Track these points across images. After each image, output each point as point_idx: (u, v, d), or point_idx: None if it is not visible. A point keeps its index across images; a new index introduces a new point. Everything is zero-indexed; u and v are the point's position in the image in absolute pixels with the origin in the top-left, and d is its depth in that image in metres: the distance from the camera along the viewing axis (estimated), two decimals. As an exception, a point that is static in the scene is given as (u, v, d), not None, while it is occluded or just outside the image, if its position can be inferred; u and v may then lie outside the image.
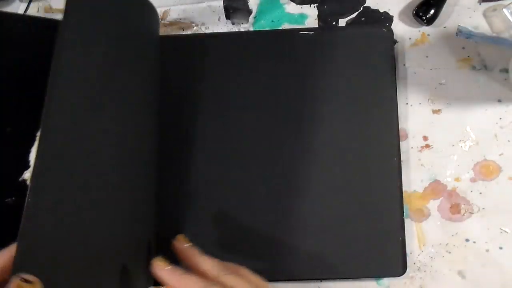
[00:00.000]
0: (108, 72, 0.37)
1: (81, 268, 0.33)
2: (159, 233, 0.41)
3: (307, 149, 0.44)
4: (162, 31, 0.47)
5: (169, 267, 0.36)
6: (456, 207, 0.45)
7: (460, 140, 0.45)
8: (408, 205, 0.45)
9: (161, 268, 0.36)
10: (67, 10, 0.35)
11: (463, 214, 0.45)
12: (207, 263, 0.37)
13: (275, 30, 0.47)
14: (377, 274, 0.44)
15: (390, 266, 0.43)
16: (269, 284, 0.38)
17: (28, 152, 0.36)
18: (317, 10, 0.47)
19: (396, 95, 0.45)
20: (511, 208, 0.45)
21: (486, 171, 0.45)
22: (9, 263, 0.31)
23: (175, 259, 0.38)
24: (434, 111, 0.46)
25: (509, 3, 0.43)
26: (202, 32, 0.47)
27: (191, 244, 0.39)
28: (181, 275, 0.36)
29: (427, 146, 0.46)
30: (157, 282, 0.38)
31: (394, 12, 0.46)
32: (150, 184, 0.40)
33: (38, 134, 0.33)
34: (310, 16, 0.47)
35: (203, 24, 0.47)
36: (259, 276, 0.38)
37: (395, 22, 0.46)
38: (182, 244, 0.38)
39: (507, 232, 0.45)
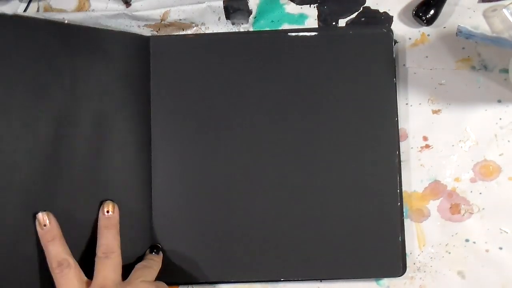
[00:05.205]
0: None
1: None
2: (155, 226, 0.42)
3: (306, 148, 0.44)
4: (162, 32, 0.47)
5: (109, 214, 0.40)
6: (456, 207, 0.45)
7: (460, 140, 0.45)
8: (408, 205, 0.45)
9: (101, 211, 0.40)
10: None
11: (463, 214, 0.45)
12: (104, 238, 0.39)
13: (275, 30, 0.47)
14: (377, 274, 0.44)
15: (390, 266, 0.44)
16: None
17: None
18: (317, 10, 0.47)
19: (396, 95, 0.45)
20: (511, 208, 0.45)
21: (486, 171, 0.45)
22: None
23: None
24: (434, 111, 0.46)
25: (509, 3, 0.43)
26: (202, 32, 0.47)
27: (111, 214, 0.40)
28: (106, 229, 0.40)
29: (427, 146, 0.46)
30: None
31: (394, 12, 0.46)
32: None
33: None
34: (310, 16, 0.47)
35: (203, 24, 0.47)
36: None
37: (395, 22, 0.46)
38: (102, 212, 0.40)
39: (507, 232, 0.45)
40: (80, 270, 0.38)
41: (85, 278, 0.38)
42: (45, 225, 0.38)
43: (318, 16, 0.47)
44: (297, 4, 0.47)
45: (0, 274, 0.38)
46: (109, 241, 0.39)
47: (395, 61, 0.45)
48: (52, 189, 0.39)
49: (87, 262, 0.39)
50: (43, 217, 0.38)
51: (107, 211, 0.40)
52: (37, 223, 0.38)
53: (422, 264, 0.45)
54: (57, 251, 0.37)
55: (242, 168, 0.44)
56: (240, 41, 0.46)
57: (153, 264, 0.41)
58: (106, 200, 0.41)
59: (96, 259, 0.39)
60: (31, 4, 0.47)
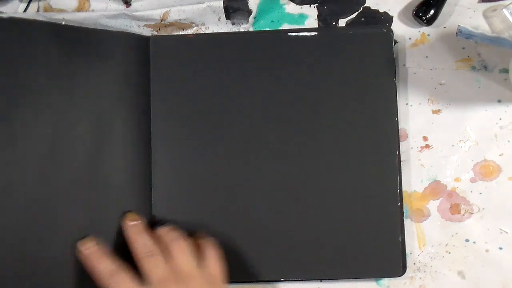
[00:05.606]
0: None
1: None
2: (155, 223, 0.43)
3: (306, 149, 0.44)
4: (162, 32, 0.47)
5: (135, 222, 0.41)
6: (456, 207, 0.45)
7: (460, 140, 0.45)
8: (408, 205, 0.45)
9: (127, 221, 0.41)
10: None
11: (463, 215, 0.45)
12: (140, 240, 0.40)
13: (275, 30, 0.47)
14: (377, 274, 0.44)
15: (390, 267, 0.44)
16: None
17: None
18: (317, 10, 0.47)
19: (396, 95, 0.45)
20: (511, 208, 0.45)
21: (486, 171, 0.45)
22: None
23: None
24: (434, 111, 0.46)
25: (509, 3, 0.43)
26: (202, 32, 0.47)
27: (138, 222, 0.41)
28: (138, 234, 0.40)
29: (427, 146, 0.46)
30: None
31: (394, 12, 0.46)
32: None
33: None
34: (310, 16, 0.47)
35: (203, 24, 0.47)
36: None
37: (395, 22, 0.46)
38: (129, 222, 0.41)
39: (507, 232, 0.45)
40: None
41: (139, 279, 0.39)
42: (87, 250, 0.39)
43: (318, 16, 0.47)
44: (297, 4, 0.47)
45: (2, 274, 0.38)
46: (145, 241, 0.40)
47: (395, 61, 0.45)
48: (52, 190, 0.39)
49: None
50: (84, 245, 0.39)
51: (132, 220, 0.41)
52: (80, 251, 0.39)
53: (422, 264, 0.45)
54: (105, 265, 0.38)
55: (242, 168, 0.44)
56: (240, 41, 0.46)
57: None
58: (128, 212, 0.42)
59: (140, 261, 0.39)
60: (31, 4, 0.47)
